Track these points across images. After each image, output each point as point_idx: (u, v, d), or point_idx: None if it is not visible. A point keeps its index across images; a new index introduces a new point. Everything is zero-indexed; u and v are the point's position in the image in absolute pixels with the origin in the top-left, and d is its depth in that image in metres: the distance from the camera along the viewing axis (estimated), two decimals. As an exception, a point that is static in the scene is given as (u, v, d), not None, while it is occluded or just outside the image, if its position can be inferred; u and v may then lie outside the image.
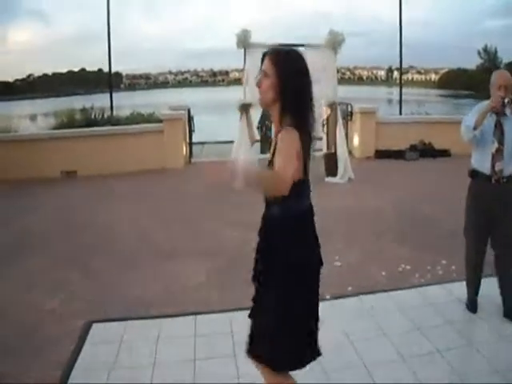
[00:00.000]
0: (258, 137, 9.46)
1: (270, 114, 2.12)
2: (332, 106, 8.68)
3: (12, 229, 6.05)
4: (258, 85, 2.07)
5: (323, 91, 8.46)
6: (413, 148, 10.10)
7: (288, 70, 2.03)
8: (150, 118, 10.78)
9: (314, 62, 8.94)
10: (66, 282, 4.38)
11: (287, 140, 1.97)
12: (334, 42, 8.03)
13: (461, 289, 3.91)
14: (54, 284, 4.33)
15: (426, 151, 10.12)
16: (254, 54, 7.59)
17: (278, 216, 2.09)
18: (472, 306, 3.64)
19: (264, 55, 2.09)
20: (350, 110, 10.40)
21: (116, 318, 3.68)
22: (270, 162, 2.04)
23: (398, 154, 9.96)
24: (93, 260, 4.90)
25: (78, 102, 14.00)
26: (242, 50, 8.08)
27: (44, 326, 3.59)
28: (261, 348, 2.10)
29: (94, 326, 3.54)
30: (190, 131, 10.67)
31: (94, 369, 3.01)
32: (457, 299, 3.83)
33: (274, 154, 2.02)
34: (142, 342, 3.31)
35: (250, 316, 2.20)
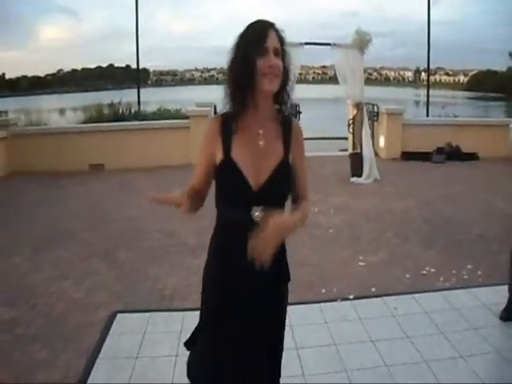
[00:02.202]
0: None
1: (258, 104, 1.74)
2: (358, 106, 8.63)
3: (41, 220, 6.20)
4: (276, 65, 1.66)
5: (350, 91, 8.44)
6: (440, 150, 9.95)
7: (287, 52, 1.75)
8: (177, 114, 10.89)
9: (341, 61, 8.96)
10: (92, 272, 4.47)
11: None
12: (361, 42, 7.98)
13: (486, 294, 3.87)
14: (81, 274, 4.43)
15: (453, 154, 9.97)
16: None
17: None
18: (509, 314, 3.53)
19: (266, 27, 1.69)
20: (376, 110, 10.33)
21: (140, 309, 3.75)
22: (283, 161, 1.74)
23: (424, 157, 9.84)
24: (119, 252, 4.99)
25: (105, 97, 14.20)
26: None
27: (72, 315, 3.68)
28: None
29: (119, 316, 3.61)
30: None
31: (118, 357, 3.07)
32: (482, 304, 3.77)
33: (288, 150, 1.76)
34: (164, 333, 3.36)
35: None
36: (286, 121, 1.79)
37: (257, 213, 1.68)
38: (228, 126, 1.72)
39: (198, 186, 1.83)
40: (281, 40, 1.70)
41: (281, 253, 1.75)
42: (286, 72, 1.71)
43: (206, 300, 1.91)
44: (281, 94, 1.74)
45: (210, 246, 1.87)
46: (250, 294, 1.76)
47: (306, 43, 7.74)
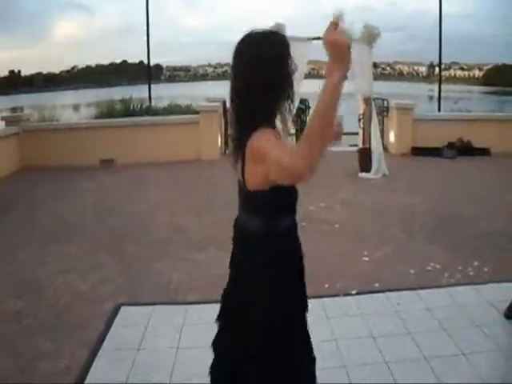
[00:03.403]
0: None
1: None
2: (367, 101, 8.58)
3: (50, 214, 6.28)
4: None
5: (358, 86, 8.38)
6: (450, 146, 9.86)
7: None
8: (188, 110, 10.93)
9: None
10: (98, 265, 4.53)
11: None
12: (370, 36, 7.92)
13: (491, 291, 3.83)
14: (88, 267, 4.49)
15: (464, 149, 9.86)
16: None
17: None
18: None
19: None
20: (386, 105, 10.24)
21: (144, 302, 3.79)
22: None
23: (434, 152, 9.75)
24: (125, 246, 5.05)
25: (118, 93, 14.31)
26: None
27: (77, 306, 3.75)
28: None
29: (123, 308, 3.66)
30: (226, 123, 10.75)
31: (120, 349, 3.12)
32: (487, 302, 3.73)
33: None
34: (167, 326, 3.40)
35: None
36: None
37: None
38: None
39: None
40: None
41: None
42: None
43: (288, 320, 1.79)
44: None
45: (266, 264, 1.75)
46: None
47: (314, 38, 7.68)
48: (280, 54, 1.65)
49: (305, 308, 1.89)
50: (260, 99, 1.60)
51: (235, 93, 1.68)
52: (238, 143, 1.69)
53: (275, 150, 1.51)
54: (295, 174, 1.42)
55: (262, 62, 1.61)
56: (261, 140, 1.56)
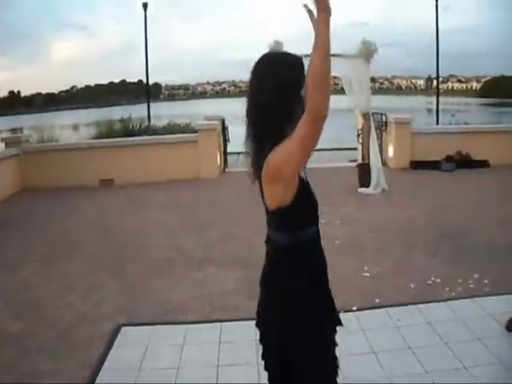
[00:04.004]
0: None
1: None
2: (366, 116, 8.64)
3: (51, 234, 6.31)
4: None
5: (357, 101, 8.46)
6: (449, 159, 9.90)
7: None
8: (187, 129, 11.02)
9: (347, 72, 8.97)
10: (99, 285, 4.54)
11: None
12: (367, 52, 8.01)
13: (492, 304, 3.82)
14: (88, 287, 4.50)
15: (462, 162, 9.90)
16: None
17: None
18: None
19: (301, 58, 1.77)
20: (384, 120, 10.31)
21: (144, 322, 3.79)
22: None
23: (433, 165, 9.78)
24: (125, 266, 5.05)
25: (118, 113, 14.42)
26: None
27: (77, 327, 3.75)
28: None
29: (123, 329, 3.66)
30: (225, 141, 10.81)
31: (121, 369, 3.12)
32: (488, 314, 3.72)
33: None
34: (168, 346, 3.40)
35: None
36: None
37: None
38: None
39: None
40: None
41: None
42: None
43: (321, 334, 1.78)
44: None
45: (293, 278, 1.75)
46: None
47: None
48: (290, 76, 1.67)
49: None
50: (270, 119, 1.63)
51: (249, 112, 1.71)
52: (252, 160, 1.74)
53: (284, 146, 1.58)
54: (315, 118, 1.50)
55: (273, 84, 1.63)
56: (273, 157, 1.60)
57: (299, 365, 1.75)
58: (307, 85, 1.54)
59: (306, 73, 1.66)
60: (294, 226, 1.73)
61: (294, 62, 1.72)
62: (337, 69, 8.76)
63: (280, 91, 1.63)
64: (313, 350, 1.74)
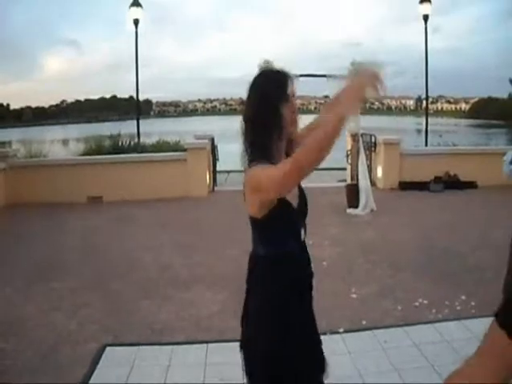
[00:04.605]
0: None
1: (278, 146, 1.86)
2: (355, 137, 8.71)
3: (36, 252, 6.22)
4: (296, 109, 1.85)
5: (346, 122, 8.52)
6: (437, 180, 10.00)
7: None
8: (176, 146, 11.02)
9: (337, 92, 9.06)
10: (84, 305, 4.47)
11: None
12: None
13: (479, 326, 3.80)
14: (73, 307, 4.43)
15: (451, 183, 10.01)
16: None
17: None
18: None
19: (286, 75, 1.83)
20: (373, 141, 10.41)
21: (129, 342, 3.73)
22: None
23: (422, 186, 9.87)
24: (111, 285, 4.99)
25: (108, 129, 14.40)
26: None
27: (61, 346, 3.68)
28: None
29: (108, 349, 3.61)
30: (214, 160, 10.83)
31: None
32: (474, 336, 3.72)
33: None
34: (153, 367, 3.35)
35: None
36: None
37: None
38: None
39: None
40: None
41: None
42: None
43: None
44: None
45: (272, 291, 1.85)
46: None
47: (301, 75, 7.81)
48: (267, 92, 1.77)
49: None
50: (254, 134, 1.77)
51: (241, 125, 1.83)
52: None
53: (266, 171, 1.68)
54: (281, 177, 1.61)
55: (257, 100, 1.78)
56: (255, 170, 1.71)
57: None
58: (308, 136, 1.65)
59: (289, 88, 1.78)
60: (270, 238, 1.82)
61: (273, 78, 1.82)
62: (327, 89, 8.87)
63: (259, 108, 1.76)
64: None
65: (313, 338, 1.95)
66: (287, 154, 1.80)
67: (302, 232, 1.89)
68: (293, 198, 1.83)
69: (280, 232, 1.82)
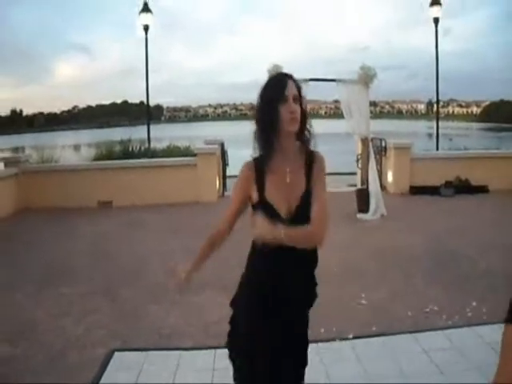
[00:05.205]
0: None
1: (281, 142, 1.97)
2: (365, 141, 8.67)
3: (46, 257, 6.27)
4: (295, 110, 1.91)
5: (356, 126, 8.49)
6: (448, 184, 9.92)
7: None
8: (186, 151, 11.07)
9: (346, 97, 9.00)
10: (93, 310, 4.49)
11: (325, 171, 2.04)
12: (366, 78, 8.08)
13: (490, 332, 3.78)
14: (82, 312, 4.45)
15: (462, 187, 9.93)
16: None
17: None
18: None
19: (285, 77, 1.95)
20: (384, 145, 10.35)
21: (137, 347, 3.74)
22: (307, 192, 1.97)
23: (432, 191, 9.80)
24: (121, 290, 5.00)
25: (119, 134, 14.49)
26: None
27: (70, 351, 3.70)
28: None
29: (116, 354, 3.61)
30: (224, 165, 10.84)
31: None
32: (485, 343, 3.68)
33: (309, 181, 1.98)
34: (161, 372, 3.35)
35: None
36: (309, 155, 2.02)
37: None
38: (260, 169, 1.97)
39: (223, 231, 2.24)
40: (298, 88, 1.94)
41: (314, 283, 2.22)
42: (304, 114, 1.97)
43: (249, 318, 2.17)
44: (302, 133, 2.00)
45: (247, 268, 2.27)
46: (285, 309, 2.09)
47: (311, 79, 7.81)
48: (270, 94, 1.93)
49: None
50: (257, 131, 1.96)
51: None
52: None
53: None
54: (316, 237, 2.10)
55: (259, 101, 1.96)
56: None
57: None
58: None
59: (287, 90, 1.90)
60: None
61: (273, 81, 1.97)
62: (336, 93, 8.84)
63: (259, 109, 1.95)
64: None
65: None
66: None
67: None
68: (280, 202, 1.96)
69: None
